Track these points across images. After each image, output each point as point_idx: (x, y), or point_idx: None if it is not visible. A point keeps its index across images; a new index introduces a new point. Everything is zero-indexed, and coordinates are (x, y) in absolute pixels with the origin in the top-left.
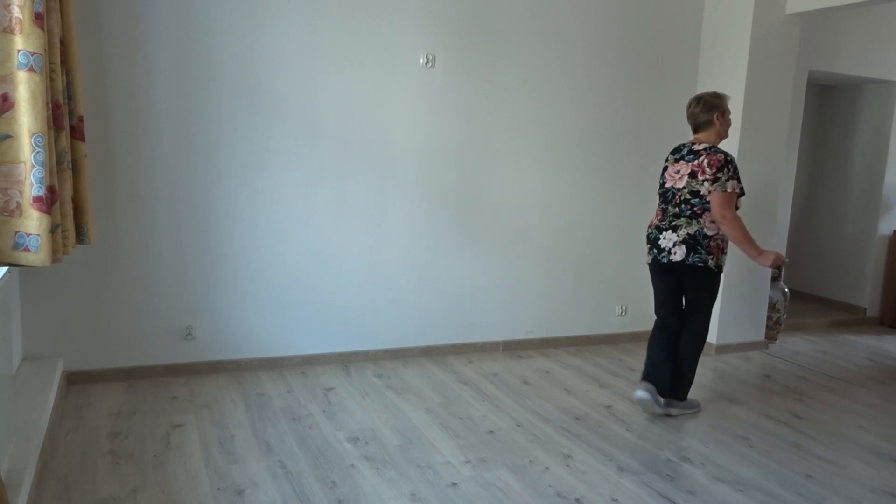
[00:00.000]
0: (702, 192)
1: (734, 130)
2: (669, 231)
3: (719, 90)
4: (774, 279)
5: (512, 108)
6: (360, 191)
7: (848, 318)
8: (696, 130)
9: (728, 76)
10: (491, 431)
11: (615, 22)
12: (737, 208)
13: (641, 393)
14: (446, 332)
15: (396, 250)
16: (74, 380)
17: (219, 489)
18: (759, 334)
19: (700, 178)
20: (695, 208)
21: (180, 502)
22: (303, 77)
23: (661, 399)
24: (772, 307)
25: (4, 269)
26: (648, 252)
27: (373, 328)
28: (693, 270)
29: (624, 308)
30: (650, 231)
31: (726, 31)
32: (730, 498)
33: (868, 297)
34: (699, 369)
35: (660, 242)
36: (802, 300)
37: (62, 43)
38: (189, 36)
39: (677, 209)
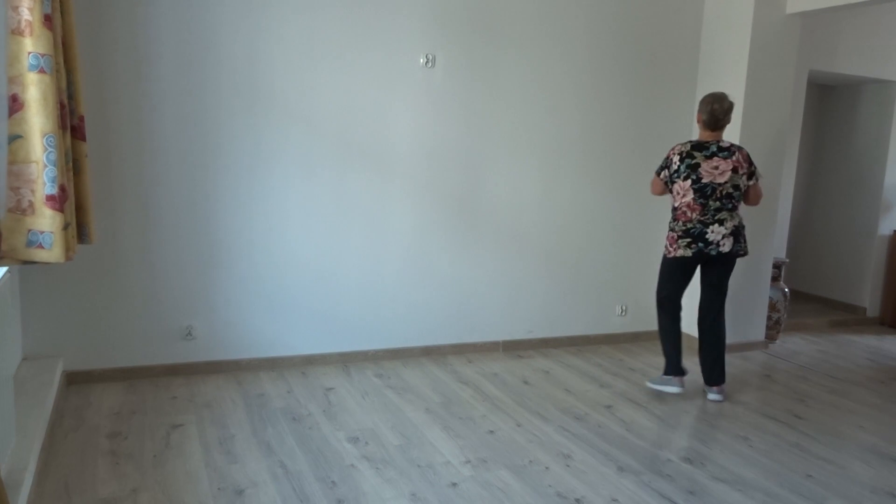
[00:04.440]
0: (741, 186)
1: (734, 129)
2: (716, 224)
3: (719, 90)
4: (774, 279)
5: (512, 108)
6: (361, 190)
7: (848, 318)
8: (714, 128)
9: (728, 76)
10: (491, 431)
11: (615, 22)
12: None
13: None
14: (446, 332)
15: (396, 250)
16: (74, 380)
17: (219, 489)
18: (759, 334)
19: (740, 172)
20: (735, 201)
21: (180, 502)
22: (303, 76)
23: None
24: (772, 307)
25: (4, 269)
26: (688, 246)
27: (373, 328)
28: (734, 259)
29: (624, 308)
30: (691, 226)
31: (726, 31)
32: (730, 498)
33: (868, 297)
34: (698, 368)
35: (707, 236)
36: (802, 300)
37: (63, 43)
38: (189, 35)
39: (719, 203)
